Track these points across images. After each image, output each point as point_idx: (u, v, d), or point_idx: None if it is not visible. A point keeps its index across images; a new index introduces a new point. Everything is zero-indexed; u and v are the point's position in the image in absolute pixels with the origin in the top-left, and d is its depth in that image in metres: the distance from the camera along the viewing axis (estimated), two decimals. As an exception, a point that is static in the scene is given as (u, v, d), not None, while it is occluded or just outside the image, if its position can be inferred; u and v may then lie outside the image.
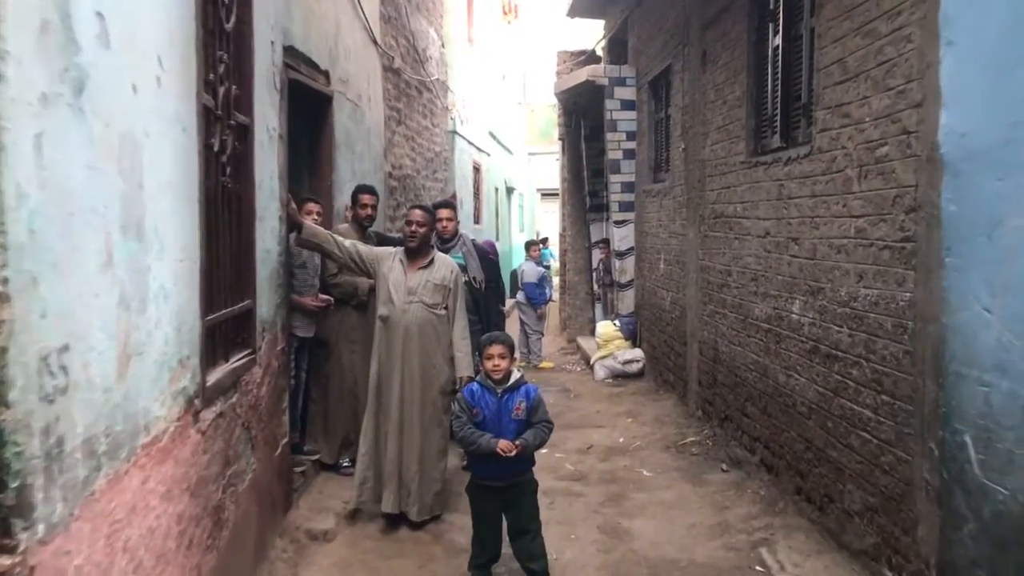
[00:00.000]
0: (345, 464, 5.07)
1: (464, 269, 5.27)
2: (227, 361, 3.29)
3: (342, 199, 5.74)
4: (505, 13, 18.67)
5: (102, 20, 2.01)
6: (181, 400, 2.63)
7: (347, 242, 4.53)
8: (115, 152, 2.11)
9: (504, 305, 6.56)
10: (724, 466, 5.34)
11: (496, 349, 3.58)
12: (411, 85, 8.95)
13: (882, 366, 3.47)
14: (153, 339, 2.38)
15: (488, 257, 5.75)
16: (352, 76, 6.18)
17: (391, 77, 7.89)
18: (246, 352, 3.52)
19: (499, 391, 3.57)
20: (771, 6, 5.07)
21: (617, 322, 9.03)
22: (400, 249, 4.57)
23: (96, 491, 1.98)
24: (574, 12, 10.80)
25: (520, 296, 10.18)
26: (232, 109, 3.31)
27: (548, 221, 24.72)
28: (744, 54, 5.38)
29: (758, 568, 3.84)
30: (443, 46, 11.18)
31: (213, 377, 3.01)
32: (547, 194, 24.85)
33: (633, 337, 8.84)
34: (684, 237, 6.91)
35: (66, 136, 1.84)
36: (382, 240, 5.45)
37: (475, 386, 3.65)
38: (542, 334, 10.28)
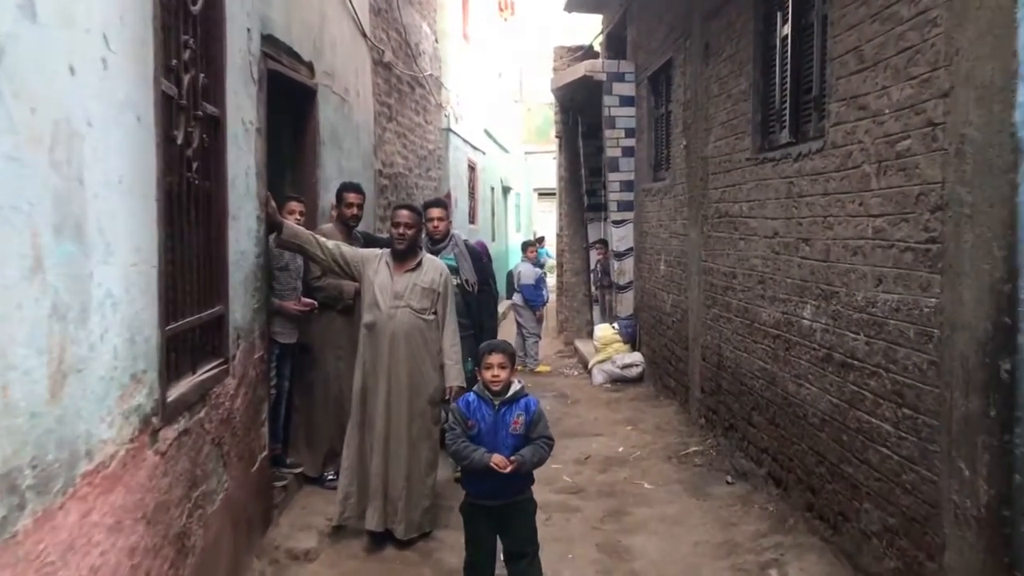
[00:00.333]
0: (330, 477, 4.79)
1: (456, 271, 4.99)
2: (195, 373, 3.02)
3: (328, 197, 5.45)
4: (501, 9, 18.39)
5: (28, -11, 1.75)
6: (135, 419, 2.37)
7: (330, 243, 4.26)
8: (46, 141, 1.84)
9: (498, 309, 6.29)
10: (729, 478, 5.08)
11: (496, 358, 3.31)
12: (403, 80, 8.68)
13: (904, 377, 3.21)
14: (98, 353, 2.11)
15: (480, 259, 5.48)
16: (339, 69, 5.92)
17: (381, 72, 7.62)
18: (217, 362, 3.25)
19: (497, 403, 3.30)
20: (779, -6, 4.82)
21: (616, 325, 8.79)
22: (386, 251, 4.29)
23: (19, 532, 1.71)
24: (571, 6, 10.52)
25: (517, 298, 9.91)
26: (200, 99, 3.04)
27: (545, 221, 24.40)
28: (750, 45, 5.13)
29: (769, 592, 3.59)
30: (437, 41, 10.92)
31: (176, 392, 2.75)
32: (544, 193, 24.57)
33: (632, 340, 8.58)
34: (686, 237, 6.65)
35: (-22, 121, 1.58)
36: (370, 241, 5.17)
37: (471, 396, 3.37)
38: (539, 337, 10.01)
